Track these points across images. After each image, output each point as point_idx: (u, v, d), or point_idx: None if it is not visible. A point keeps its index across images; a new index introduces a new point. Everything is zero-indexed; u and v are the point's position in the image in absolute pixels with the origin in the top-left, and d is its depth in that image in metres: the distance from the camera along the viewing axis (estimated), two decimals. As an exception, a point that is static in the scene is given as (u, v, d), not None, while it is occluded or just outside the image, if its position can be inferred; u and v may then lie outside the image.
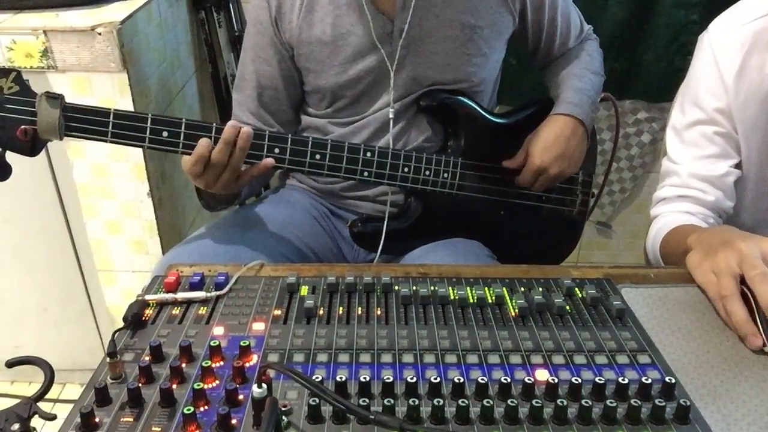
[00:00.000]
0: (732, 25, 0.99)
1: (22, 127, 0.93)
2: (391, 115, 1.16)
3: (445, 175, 1.17)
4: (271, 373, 0.61)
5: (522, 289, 0.80)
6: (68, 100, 0.96)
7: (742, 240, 0.77)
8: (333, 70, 1.15)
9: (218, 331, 0.71)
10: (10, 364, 0.65)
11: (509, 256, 1.23)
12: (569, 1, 1.27)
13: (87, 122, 0.96)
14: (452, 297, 0.77)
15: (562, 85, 1.25)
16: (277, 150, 1.05)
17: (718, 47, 0.99)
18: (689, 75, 1.06)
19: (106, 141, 0.97)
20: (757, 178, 1.03)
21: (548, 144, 1.18)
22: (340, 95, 1.18)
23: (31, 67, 1.37)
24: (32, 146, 0.95)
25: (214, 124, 1.01)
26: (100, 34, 1.34)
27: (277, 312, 0.75)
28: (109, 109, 0.96)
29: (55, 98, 0.93)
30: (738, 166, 1.02)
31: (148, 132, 0.98)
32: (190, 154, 0.98)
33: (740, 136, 1.00)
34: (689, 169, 1.03)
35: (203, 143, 0.97)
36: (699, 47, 1.04)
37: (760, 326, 0.71)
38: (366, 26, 1.12)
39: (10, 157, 0.95)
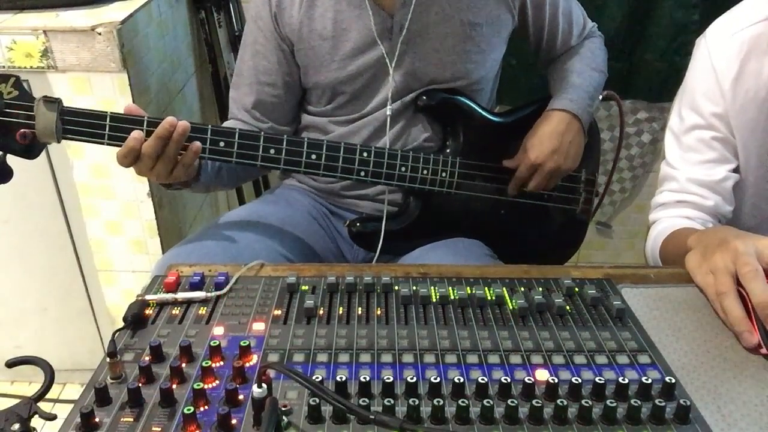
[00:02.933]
0: (729, 31, 0.99)
1: (21, 130, 0.93)
2: (388, 112, 1.16)
3: (444, 174, 1.17)
4: (271, 373, 0.61)
5: (522, 289, 0.80)
6: (68, 100, 0.96)
7: (737, 239, 0.78)
8: (333, 66, 1.15)
9: (218, 331, 0.71)
10: (10, 364, 0.65)
11: (511, 256, 1.23)
12: None
13: (84, 125, 0.96)
14: (452, 297, 0.77)
15: (561, 81, 1.25)
16: (272, 151, 1.05)
17: (715, 52, 0.99)
18: (687, 79, 1.06)
19: (103, 143, 0.97)
20: (756, 181, 1.03)
21: (543, 139, 1.18)
22: (339, 91, 1.18)
23: (31, 67, 1.37)
24: (31, 149, 0.96)
25: (210, 126, 1.01)
26: (100, 34, 1.34)
27: (277, 312, 0.75)
28: (106, 112, 0.96)
29: (52, 102, 0.94)
30: (736, 170, 1.02)
31: (144, 135, 0.98)
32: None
33: (738, 141, 1.00)
34: (688, 174, 1.03)
35: (135, 136, 0.94)
36: (696, 52, 1.04)
37: (757, 328, 0.72)
38: (366, 22, 1.12)
39: (11, 158, 0.95)
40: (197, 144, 0.98)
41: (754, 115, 0.98)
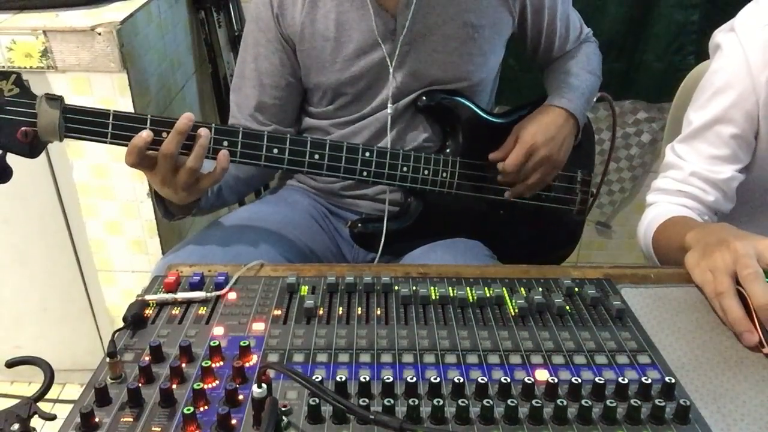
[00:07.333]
0: (762, 22, 0.96)
1: (23, 128, 0.92)
2: (390, 112, 1.16)
3: (444, 174, 1.17)
4: (271, 373, 0.61)
5: (522, 289, 0.80)
6: (68, 100, 0.95)
7: (737, 239, 0.77)
8: (335, 67, 1.15)
9: (218, 331, 0.71)
10: (10, 364, 0.65)
11: (509, 256, 1.23)
12: (568, 4, 1.28)
13: (87, 123, 0.96)
14: (452, 297, 0.77)
15: (557, 81, 1.26)
16: (276, 150, 1.05)
17: (749, 44, 0.97)
18: (711, 74, 1.03)
19: (105, 142, 0.97)
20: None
21: (541, 126, 1.18)
22: (341, 92, 1.18)
23: (30, 68, 1.37)
24: (32, 148, 0.95)
25: (213, 124, 1.01)
26: (99, 34, 1.34)
27: (277, 312, 0.75)
28: (109, 110, 0.96)
29: (55, 99, 0.93)
30: (742, 170, 1.02)
31: (151, 134, 0.97)
32: (188, 154, 0.97)
33: (762, 131, 0.98)
34: (694, 167, 1.03)
35: (142, 135, 0.93)
36: (725, 45, 1.01)
37: (758, 328, 0.72)
38: (368, 23, 1.12)
39: (11, 158, 0.95)
40: (225, 153, 0.98)
41: None
